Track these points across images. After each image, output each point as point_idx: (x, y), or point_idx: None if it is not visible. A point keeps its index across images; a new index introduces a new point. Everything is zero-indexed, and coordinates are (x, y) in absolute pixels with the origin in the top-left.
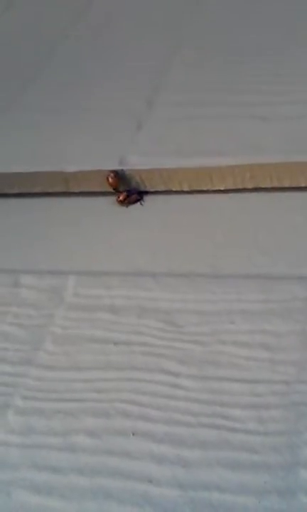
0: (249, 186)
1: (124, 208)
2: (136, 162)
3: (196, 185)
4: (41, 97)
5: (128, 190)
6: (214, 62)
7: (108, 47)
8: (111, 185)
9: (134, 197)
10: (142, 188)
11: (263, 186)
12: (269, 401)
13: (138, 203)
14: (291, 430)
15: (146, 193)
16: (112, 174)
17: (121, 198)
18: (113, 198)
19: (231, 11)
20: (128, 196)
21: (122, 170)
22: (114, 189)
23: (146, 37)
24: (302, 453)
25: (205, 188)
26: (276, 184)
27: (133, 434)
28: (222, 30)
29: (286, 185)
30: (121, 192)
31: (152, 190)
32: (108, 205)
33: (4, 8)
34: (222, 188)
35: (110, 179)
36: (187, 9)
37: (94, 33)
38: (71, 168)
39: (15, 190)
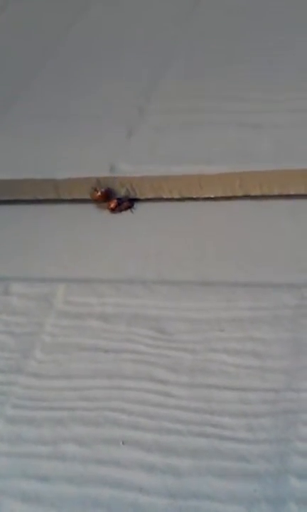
0: (239, 194)
1: (114, 216)
2: (126, 169)
3: (186, 193)
4: (31, 104)
5: (119, 197)
6: (204, 70)
7: (100, 55)
8: (94, 198)
9: (125, 204)
10: (133, 196)
11: (252, 194)
12: (259, 409)
13: (129, 211)
14: (281, 438)
15: (137, 200)
16: (103, 190)
17: (112, 205)
18: (104, 206)
19: (222, 20)
20: (119, 204)
21: (110, 189)
22: (94, 200)
23: (137, 45)
24: (292, 461)
25: (195, 196)
26: (265, 192)
27: (123, 443)
28: (213, 39)
29: (276, 193)
30: (111, 200)
31: (142, 197)
32: (98, 212)
33: None
34: (212, 196)
35: (98, 193)
36: (179, 17)
37: (86, 41)
38: (61, 175)
39: (5, 197)
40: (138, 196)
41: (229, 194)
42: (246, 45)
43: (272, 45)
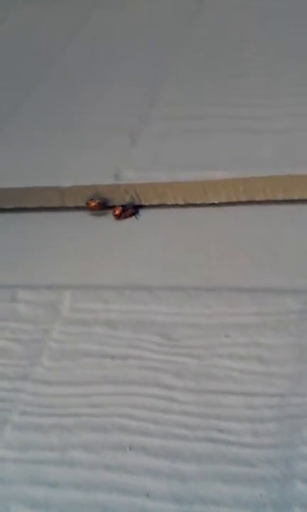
0: (243, 199)
1: (119, 223)
2: (130, 176)
3: (190, 199)
4: (36, 112)
5: (123, 204)
6: (206, 76)
7: (102, 62)
8: (90, 207)
9: (130, 211)
10: (137, 202)
11: (256, 199)
12: (264, 414)
13: (134, 217)
14: (286, 443)
15: (141, 207)
16: (98, 201)
17: (116, 212)
18: (109, 213)
19: (223, 27)
20: (123, 211)
21: (105, 199)
22: (90, 209)
23: (139, 52)
24: (297, 466)
25: (199, 202)
26: (269, 197)
27: (130, 449)
28: (214, 45)
29: (280, 198)
30: (116, 206)
31: (147, 204)
32: (103, 219)
33: (0, 21)
34: (216, 202)
35: (93, 203)
36: (181, 24)
37: (90, 49)
38: (67, 182)
39: (11, 205)
40: (142, 203)
41: (233, 200)
42: (248, 51)
43: (273, 50)
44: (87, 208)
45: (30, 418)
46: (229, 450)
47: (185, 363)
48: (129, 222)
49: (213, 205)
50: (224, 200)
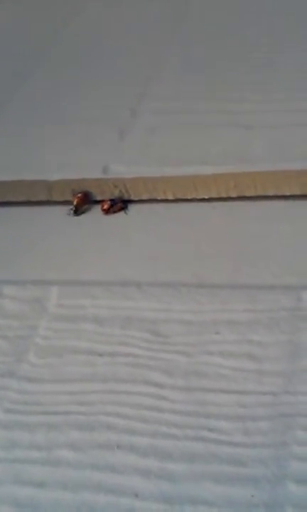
0: (234, 195)
1: (108, 217)
2: (119, 171)
3: (180, 194)
4: (23, 106)
5: (112, 199)
6: (198, 71)
7: (92, 56)
8: (75, 201)
9: (118, 206)
10: (126, 197)
11: (247, 195)
12: (256, 413)
13: (123, 212)
14: (278, 442)
15: (130, 201)
16: (80, 195)
17: (105, 206)
18: (97, 207)
19: (215, 21)
20: (112, 205)
21: (90, 193)
22: (74, 206)
23: (130, 45)
24: (289, 466)
25: (189, 197)
26: (260, 193)
27: (117, 448)
28: (206, 40)
29: (271, 193)
30: (105, 201)
31: (136, 198)
32: (92, 214)
33: None
34: (206, 197)
35: (76, 198)
36: (172, 19)
37: (79, 44)
38: (54, 176)
39: None
40: (131, 197)
41: (224, 195)
42: (240, 46)
43: (266, 45)
44: (72, 205)
45: (16, 416)
46: (220, 449)
47: (175, 361)
48: (118, 217)
49: (203, 200)
50: (214, 195)
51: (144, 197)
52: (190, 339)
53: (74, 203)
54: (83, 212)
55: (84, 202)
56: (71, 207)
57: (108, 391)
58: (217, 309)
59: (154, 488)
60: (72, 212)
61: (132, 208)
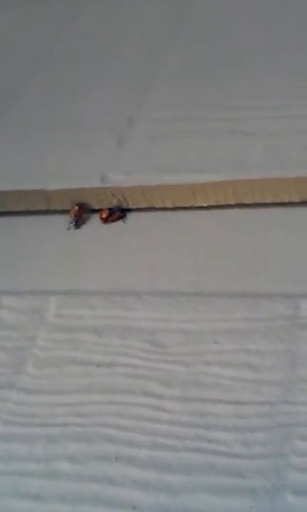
0: (232, 202)
1: (106, 226)
2: (118, 179)
3: (179, 202)
4: (21, 114)
5: (110, 208)
6: (195, 78)
7: (91, 62)
8: (73, 213)
9: (117, 214)
10: (124, 206)
11: (246, 202)
12: (254, 423)
13: (121, 221)
14: (277, 453)
15: (129, 210)
16: (77, 207)
17: (103, 215)
18: (95, 216)
19: (212, 28)
20: (110, 214)
21: (84, 203)
22: (74, 219)
23: (128, 53)
24: (288, 477)
25: (187, 205)
26: (258, 200)
27: (116, 460)
28: (203, 47)
29: (269, 201)
30: (103, 210)
31: (134, 207)
32: (90, 223)
33: None
34: (204, 205)
35: (75, 209)
36: (171, 25)
37: (77, 50)
38: (52, 186)
39: None
40: (130, 206)
41: (222, 202)
42: (238, 52)
43: (263, 51)
44: (72, 219)
45: (14, 428)
46: (219, 461)
47: (174, 371)
48: (116, 225)
49: (202, 208)
50: (213, 203)
51: (142, 205)
52: (188, 349)
53: (73, 215)
54: (83, 223)
55: (81, 213)
56: (70, 221)
57: (106, 402)
58: (215, 318)
59: (152, 500)
60: (72, 225)
61: (130, 217)
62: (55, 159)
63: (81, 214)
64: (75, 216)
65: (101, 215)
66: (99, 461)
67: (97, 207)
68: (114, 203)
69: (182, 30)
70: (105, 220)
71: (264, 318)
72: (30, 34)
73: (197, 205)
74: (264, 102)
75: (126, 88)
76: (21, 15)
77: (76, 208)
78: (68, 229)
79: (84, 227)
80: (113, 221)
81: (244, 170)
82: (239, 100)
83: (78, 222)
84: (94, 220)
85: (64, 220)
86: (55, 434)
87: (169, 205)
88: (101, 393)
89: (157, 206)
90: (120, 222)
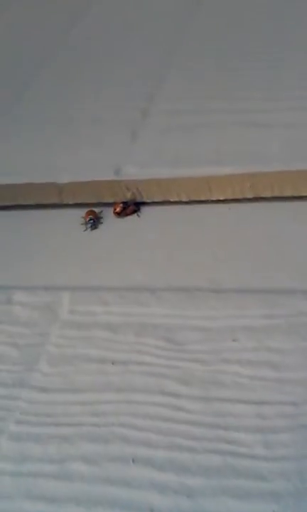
0: (250, 196)
1: (120, 220)
2: (132, 172)
3: (194, 196)
4: (34, 107)
5: (124, 201)
6: (209, 69)
7: (102, 56)
8: (87, 219)
9: (131, 208)
10: (139, 199)
11: (264, 196)
12: (276, 424)
13: (135, 215)
14: (300, 455)
15: (143, 204)
16: (121, 205)
17: (117, 209)
18: (109, 210)
19: (225, 18)
20: (124, 208)
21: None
22: (92, 219)
23: (140, 45)
24: None
25: (203, 199)
26: (277, 193)
27: (133, 461)
28: (216, 37)
29: (288, 194)
30: (117, 203)
31: (149, 201)
32: (104, 217)
33: None
34: (221, 198)
35: (118, 208)
36: (181, 17)
37: (88, 43)
38: (65, 179)
39: (7, 203)
40: (144, 200)
41: (240, 196)
42: (252, 43)
43: (278, 42)
44: (87, 221)
45: (27, 428)
46: (239, 463)
47: (191, 369)
48: (131, 219)
49: (218, 201)
50: (229, 196)
51: (157, 199)
52: (206, 347)
53: (87, 219)
54: (101, 223)
55: (95, 214)
56: (88, 225)
57: (122, 401)
58: (233, 315)
59: (171, 504)
60: (89, 227)
61: (145, 211)
62: (68, 153)
63: (96, 215)
64: (93, 216)
65: (115, 209)
66: (115, 462)
67: (110, 201)
68: (128, 196)
69: (195, 20)
70: (119, 214)
71: (284, 314)
72: (42, 27)
73: (213, 198)
74: (280, 94)
75: (139, 80)
76: (34, 6)
77: (87, 211)
78: (85, 230)
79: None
80: (127, 215)
81: (262, 162)
82: (255, 92)
83: (95, 222)
84: (108, 214)
85: (77, 215)
86: (69, 434)
87: (184, 199)
88: (117, 392)
89: (172, 200)
90: (134, 216)
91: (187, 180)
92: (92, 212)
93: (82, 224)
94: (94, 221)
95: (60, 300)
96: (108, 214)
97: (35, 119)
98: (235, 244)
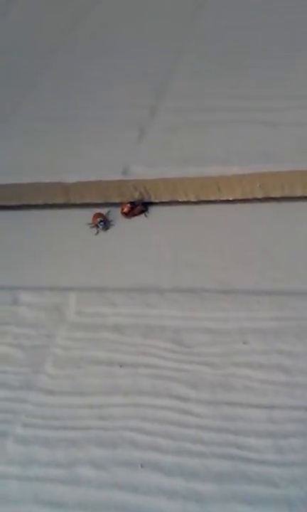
0: (259, 196)
1: (127, 220)
2: (139, 172)
3: (203, 196)
4: (40, 105)
5: (132, 201)
6: (217, 67)
7: (108, 54)
8: (96, 221)
9: (138, 208)
10: (146, 199)
11: (273, 196)
12: (288, 428)
13: (143, 215)
14: None
15: (151, 204)
16: (129, 205)
17: (125, 209)
18: (116, 210)
19: (233, 16)
20: (132, 208)
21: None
22: (102, 221)
23: (147, 43)
24: None
25: (212, 199)
26: (287, 193)
27: (141, 466)
28: (224, 35)
29: (298, 194)
30: (124, 203)
31: (157, 201)
32: (111, 217)
33: (1, 16)
34: (230, 198)
35: (125, 209)
36: (190, 15)
37: (94, 40)
38: (72, 178)
39: (14, 202)
40: (152, 199)
41: (249, 196)
42: (260, 40)
43: (287, 39)
44: (96, 223)
45: (34, 431)
46: (250, 468)
47: (200, 372)
48: (138, 220)
49: (227, 201)
50: (239, 196)
51: (165, 199)
52: (215, 349)
53: (96, 221)
54: (112, 225)
55: (103, 216)
56: (99, 226)
57: (130, 404)
58: (243, 317)
59: (180, 510)
60: (101, 228)
61: (153, 211)
62: (75, 152)
63: (105, 217)
64: (102, 218)
65: (123, 209)
66: (124, 467)
67: (117, 200)
68: (136, 196)
69: (203, 18)
70: (126, 214)
71: (295, 317)
72: (47, 25)
73: (222, 198)
74: (290, 92)
75: (146, 79)
76: (35, 7)
77: (95, 214)
78: (97, 234)
79: None
80: (134, 215)
81: (272, 162)
82: (265, 90)
83: (106, 222)
84: (115, 214)
85: (84, 215)
86: (77, 438)
87: (193, 199)
88: (125, 395)
89: (180, 200)
90: (142, 217)
91: (196, 179)
92: (99, 214)
93: (91, 227)
94: (104, 222)
95: (66, 301)
96: (115, 214)
97: (41, 118)
98: (245, 245)
